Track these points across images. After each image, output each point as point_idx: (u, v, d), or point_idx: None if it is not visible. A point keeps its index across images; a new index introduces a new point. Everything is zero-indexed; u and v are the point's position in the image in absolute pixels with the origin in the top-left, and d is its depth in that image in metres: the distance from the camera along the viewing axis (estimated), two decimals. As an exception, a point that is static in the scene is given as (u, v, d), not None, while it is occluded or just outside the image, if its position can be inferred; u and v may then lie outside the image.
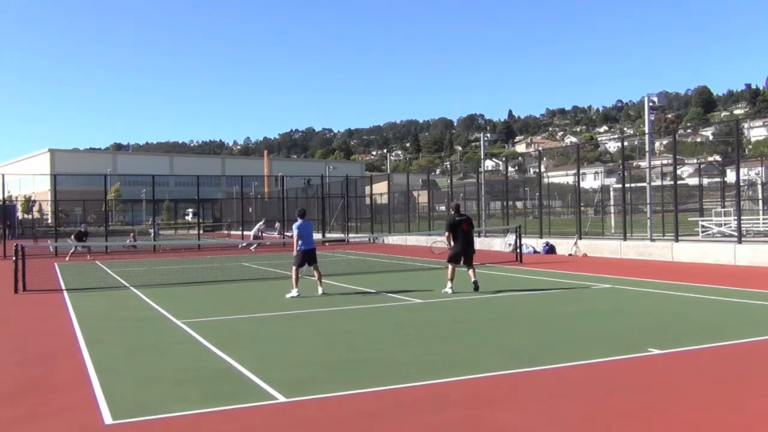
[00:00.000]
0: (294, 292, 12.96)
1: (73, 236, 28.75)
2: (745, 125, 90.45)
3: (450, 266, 13.62)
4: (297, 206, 48.92)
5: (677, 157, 24.16)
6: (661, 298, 12.11)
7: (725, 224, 24.77)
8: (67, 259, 27.33)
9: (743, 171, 29.35)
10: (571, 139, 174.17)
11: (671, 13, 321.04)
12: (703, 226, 25.67)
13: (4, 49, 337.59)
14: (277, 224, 39.59)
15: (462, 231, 13.66)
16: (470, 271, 13.43)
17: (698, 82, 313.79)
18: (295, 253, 13.42)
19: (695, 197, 33.93)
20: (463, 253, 13.62)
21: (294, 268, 13.30)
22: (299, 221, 13.51)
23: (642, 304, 11.41)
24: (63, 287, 16.08)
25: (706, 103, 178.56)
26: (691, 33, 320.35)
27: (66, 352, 8.32)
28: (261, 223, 37.12)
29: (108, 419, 5.39)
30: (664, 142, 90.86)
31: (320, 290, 13.21)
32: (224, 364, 7.32)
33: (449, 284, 13.40)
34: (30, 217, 70.91)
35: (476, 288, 13.06)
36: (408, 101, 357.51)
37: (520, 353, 7.64)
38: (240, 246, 33.29)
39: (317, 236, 29.95)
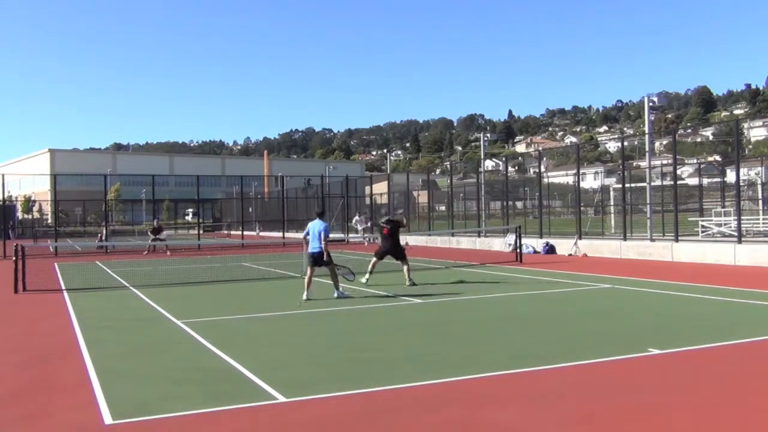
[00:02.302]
0: (303, 296, 12.50)
1: (148, 232, 29.50)
2: (745, 125, 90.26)
3: (373, 259, 15.49)
4: (296, 206, 49.44)
5: (677, 157, 24.16)
6: (661, 298, 12.11)
7: (725, 224, 24.77)
8: (144, 253, 27.97)
9: (743, 171, 29.35)
10: (571, 139, 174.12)
11: (671, 13, 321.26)
12: (703, 226, 25.66)
13: (4, 49, 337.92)
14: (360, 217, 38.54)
15: (382, 233, 15.56)
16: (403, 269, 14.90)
17: (698, 82, 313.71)
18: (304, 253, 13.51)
19: (695, 197, 33.92)
20: (384, 251, 15.32)
21: (308, 268, 13.01)
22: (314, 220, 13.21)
23: (642, 304, 11.41)
24: (63, 287, 16.07)
25: (706, 103, 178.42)
26: (691, 33, 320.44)
27: (66, 352, 8.32)
28: (358, 216, 37.34)
29: (108, 419, 5.39)
30: (664, 142, 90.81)
31: (335, 293, 12.69)
32: (224, 364, 7.32)
33: (366, 274, 14.98)
34: (30, 217, 70.94)
35: (411, 284, 14.43)
36: (408, 101, 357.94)
37: (520, 353, 7.64)
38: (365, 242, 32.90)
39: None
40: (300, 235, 14.41)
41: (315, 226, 12.93)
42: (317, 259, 12.79)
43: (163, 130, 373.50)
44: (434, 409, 5.52)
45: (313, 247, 12.83)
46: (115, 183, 75.83)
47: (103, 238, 33.22)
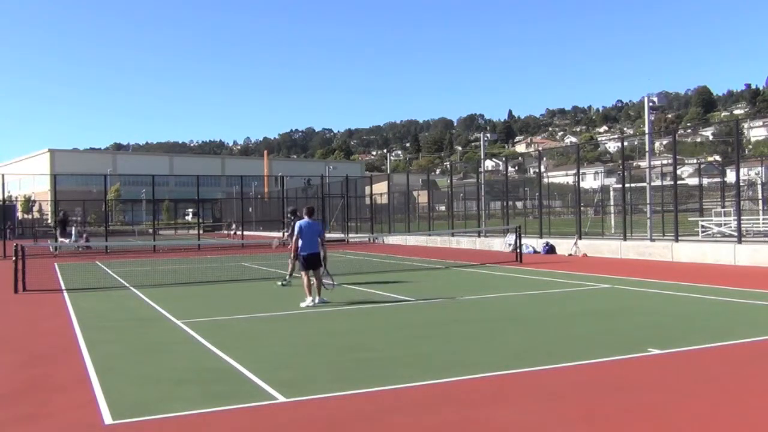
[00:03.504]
0: (308, 301, 11.70)
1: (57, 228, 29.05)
2: (745, 125, 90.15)
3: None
4: (296, 206, 49.31)
5: (677, 157, 24.15)
6: (661, 298, 12.11)
7: (725, 224, 24.77)
8: (55, 254, 27.55)
9: (743, 171, 29.33)
10: (571, 139, 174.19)
11: (671, 13, 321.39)
12: (703, 226, 25.66)
13: (4, 48, 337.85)
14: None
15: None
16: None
17: (698, 82, 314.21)
18: (291, 255, 12.40)
19: (695, 197, 33.93)
20: None
21: (303, 273, 12.11)
22: (303, 220, 12.19)
23: (642, 304, 11.41)
24: (63, 287, 16.07)
25: (706, 103, 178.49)
26: (691, 33, 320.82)
27: (66, 352, 8.32)
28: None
29: (108, 419, 5.39)
30: (664, 142, 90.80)
31: (316, 299, 11.82)
32: (224, 364, 7.32)
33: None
34: (30, 217, 70.89)
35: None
36: (408, 101, 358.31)
37: (520, 353, 7.64)
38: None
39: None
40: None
41: (310, 226, 12.03)
42: (313, 262, 11.98)
43: (163, 130, 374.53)
44: (434, 409, 5.52)
45: (311, 249, 11.94)
46: (115, 183, 75.89)
47: (72, 238, 32.53)
